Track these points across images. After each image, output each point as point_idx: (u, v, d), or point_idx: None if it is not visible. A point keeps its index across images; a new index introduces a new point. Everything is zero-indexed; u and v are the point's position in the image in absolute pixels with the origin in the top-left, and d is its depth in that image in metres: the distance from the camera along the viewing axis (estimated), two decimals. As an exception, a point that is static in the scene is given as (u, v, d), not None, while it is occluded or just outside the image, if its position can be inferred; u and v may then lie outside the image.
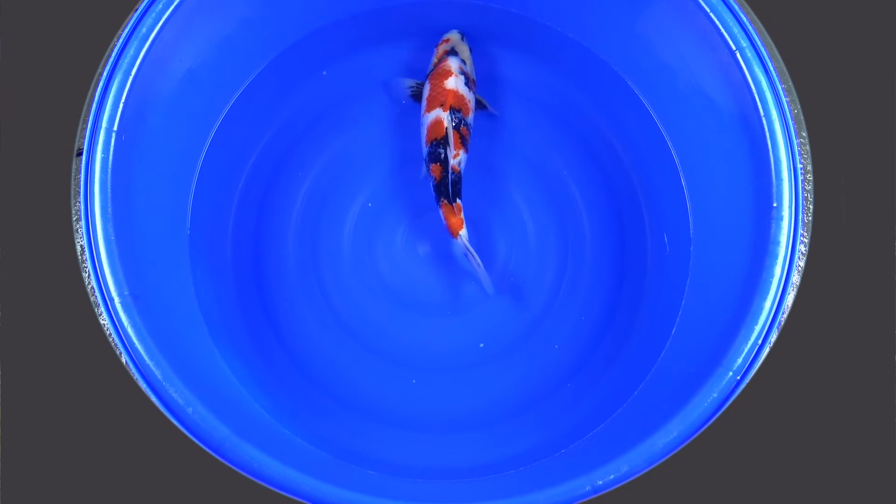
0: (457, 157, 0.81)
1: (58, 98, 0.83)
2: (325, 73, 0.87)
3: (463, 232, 0.80)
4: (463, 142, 0.81)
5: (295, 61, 0.86)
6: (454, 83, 0.82)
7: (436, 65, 0.84)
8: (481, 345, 0.84)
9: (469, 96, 0.83)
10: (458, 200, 0.80)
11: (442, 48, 0.85)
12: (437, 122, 0.81)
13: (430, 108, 0.82)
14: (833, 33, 0.88)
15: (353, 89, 0.88)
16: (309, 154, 0.87)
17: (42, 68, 0.85)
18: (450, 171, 0.80)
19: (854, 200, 0.85)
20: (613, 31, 0.83)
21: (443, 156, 0.80)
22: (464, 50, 0.85)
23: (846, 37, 0.88)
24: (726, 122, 0.76)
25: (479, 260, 0.80)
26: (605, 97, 0.86)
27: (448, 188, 0.80)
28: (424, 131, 0.82)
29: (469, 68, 0.84)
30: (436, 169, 0.81)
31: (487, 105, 0.86)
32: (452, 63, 0.83)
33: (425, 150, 0.82)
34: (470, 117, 0.83)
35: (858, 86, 0.87)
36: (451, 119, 0.81)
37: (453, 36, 0.85)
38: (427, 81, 0.84)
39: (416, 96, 0.85)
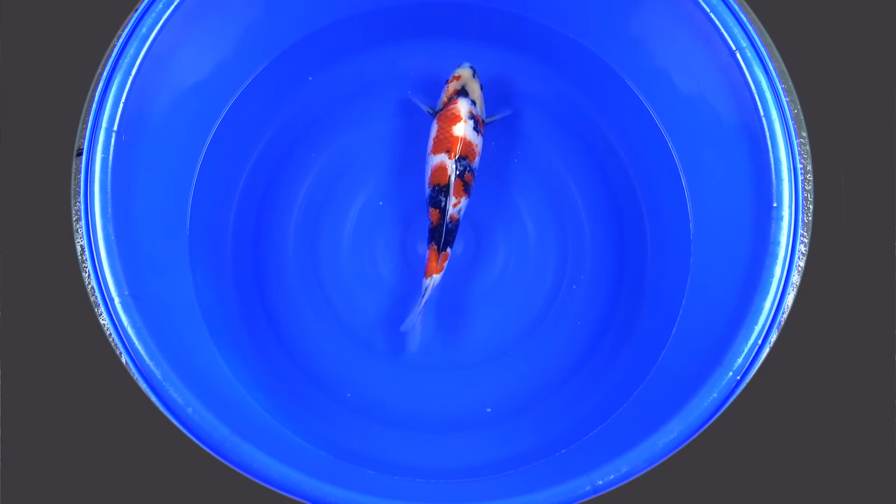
0: (457, 206, 0.80)
1: (58, 98, 0.83)
2: (310, 78, 0.87)
3: (435, 277, 0.80)
4: (466, 188, 0.81)
5: (295, 62, 0.86)
6: (462, 130, 0.81)
7: (445, 104, 0.83)
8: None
9: (477, 140, 0.82)
10: (448, 250, 0.80)
11: (452, 86, 0.83)
12: (441, 169, 0.81)
13: (435, 151, 0.81)
14: (833, 33, 0.88)
15: (352, 90, 0.88)
16: (309, 154, 0.87)
17: (42, 68, 0.85)
18: (447, 219, 0.80)
19: (854, 200, 0.85)
20: (613, 32, 0.83)
21: (443, 203, 0.80)
22: (474, 89, 0.83)
23: (846, 37, 0.88)
24: (726, 122, 0.76)
25: (421, 307, 0.80)
26: (605, 97, 0.86)
27: (441, 236, 0.80)
28: (428, 172, 0.82)
29: (479, 109, 0.83)
30: (434, 214, 0.81)
31: (499, 115, 0.86)
32: (462, 107, 0.82)
33: (427, 191, 0.81)
34: (476, 161, 0.82)
35: (858, 86, 0.87)
36: (457, 168, 0.80)
37: (464, 73, 0.84)
38: (435, 122, 0.83)
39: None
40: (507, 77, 0.88)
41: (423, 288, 0.80)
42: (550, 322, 0.85)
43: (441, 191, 0.80)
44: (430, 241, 0.81)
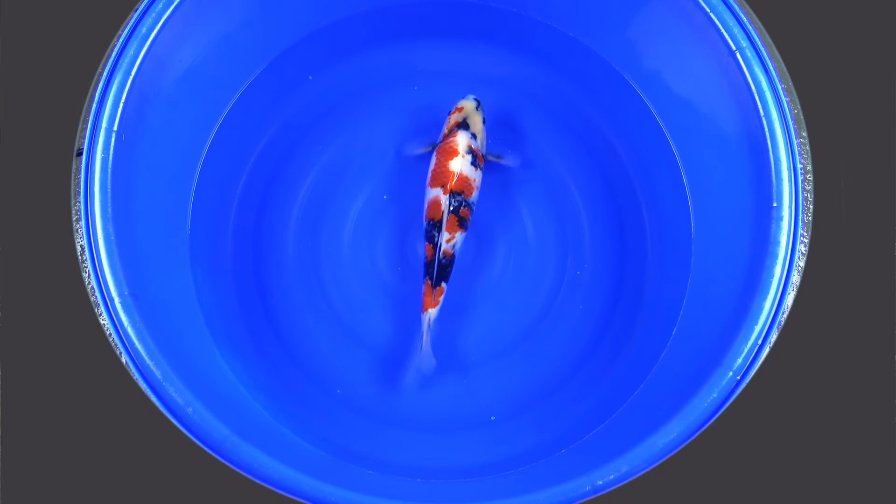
0: (451, 241, 0.79)
1: (58, 98, 0.83)
2: (310, 77, 0.87)
3: (431, 311, 0.79)
4: (462, 223, 0.80)
5: (295, 61, 0.86)
6: (459, 165, 0.80)
7: (445, 136, 0.82)
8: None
9: (474, 175, 0.81)
10: (443, 284, 0.80)
11: (454, 119, 0.82)
12: (436, 203, 0.80)
13: (432, 184, 0.81)
14: (833, 33, 0.88)
15: (353, 90, 0.88)
16: (309, 154, 0.87)
17: (42, 68, 0.85)
18: (439, 255, 0.79)
19: (854, 200, 0.85)
20: (614, 31, 0.83)
21: (436, 239, 0.79)
22: (476, 122, 0.82)
23: (846, 37, 0.88)
24: (726, 122, 0.76)
25: (427, 342, 0.79)
26: (605, 96, 0.86)
27: (434, 271, 0.79)
28: (425, 205, 0.81)
29: (479, 142, 0.82)
30: (428, 248, 0.80)
31: (503, 158, 0.85)
32: (461, 140, 0.81)
33: (424, 223, 0.81)
34: (473, 196, 0.81)
35: (858, 86, 0.87)
36: (451, 203, 0.79)
37: (467, 105, 0.83)
38: (435, 153, 0.82)
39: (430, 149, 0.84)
40: (506, 77, 0.88)
41: (423, 324, 0.80)
42: (550, 322, 0.85)
43: (435, 225, 0.80)
44: (424, 276, 0.80)
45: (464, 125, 0.82)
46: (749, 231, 0.73)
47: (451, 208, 0.80)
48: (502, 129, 0.87)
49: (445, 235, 0.79)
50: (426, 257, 0.80)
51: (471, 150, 0.81)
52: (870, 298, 0.84)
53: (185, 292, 0.80)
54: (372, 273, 0.85)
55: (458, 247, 0.81)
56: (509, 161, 0.86)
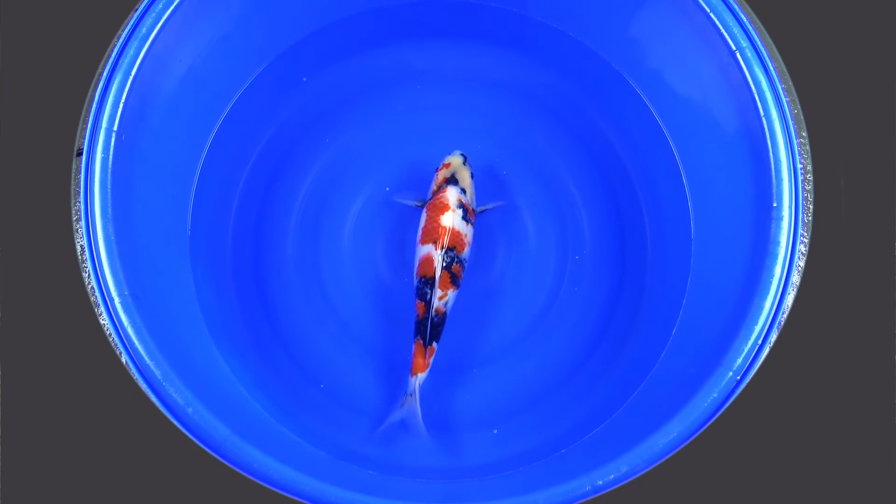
0: (443, 299, 0.78)
1: (58, 98, 0.83)
2: (304, 79, 0.87)
3: (421, 376, 0.78)
4: (454, 280, 0.79)
5: (295, 61, 0.86)
6: (451, 219, 0.79)
7: (434, 193, 0.81)
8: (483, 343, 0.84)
9: (466, 230, 0.80)
10: (435, 344, 0.78)
11: (441, 174, 0.82)
12: (428, 260, 0.79)
13: (423, 241, 0.80)
14: (833, 33, 0.88)
15: (353, 90, 0.88)
16: (309, 154, 0.87)
17: (42, 68, 0.85)
18: (432, 312, 0.78)
19: (854, 200, 0.86)
20: (614, 30, 0.83)
21: (428, 296, 0.78)
22: (464, 177, 0.81)
23: (846, 37, 0.88)
24: (726, 122, 0.76)
25: (418, 407, 0.78)
26: (605, 96, 0.86)
27: (427, 329, 0.78)
28: (416, 263, 0.80)
29: (469, 196, 0.81)
30: (420, 306, 0.78)
31: (489, 204, 0.84)
32: (451, 195, 0.80)
33: (415, 281, 0.80)
34: (465, 252, 0.80)
35: (858, 86, 0.87)
36: (444, 259, 0.78)
37: (454, 160, 0.82)
38: (424, 211, 0.81)
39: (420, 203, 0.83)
40: (506, 77, 0.88)
41: (411, 387, 0.78)
42: (550, 322, 0.85)
43: (427, 282, 0.78)
44: (415, 335, 0.79)
45: (452, 180, 0.81)
46: (749, 231, 0.73)
47: (444, 265, 0.78)
48: (502, 130, 0.87)
49: (438, 293, 0.78)
50: (417, 315, 0.79)
51: (461, 205, 0.80)
52: (870, 298, 0.84)
53: (185, 292, 0.80)
54: (372, 273, 0.85)
55: (449, 305, 0.79)
56: (494, 204, 0.85)
